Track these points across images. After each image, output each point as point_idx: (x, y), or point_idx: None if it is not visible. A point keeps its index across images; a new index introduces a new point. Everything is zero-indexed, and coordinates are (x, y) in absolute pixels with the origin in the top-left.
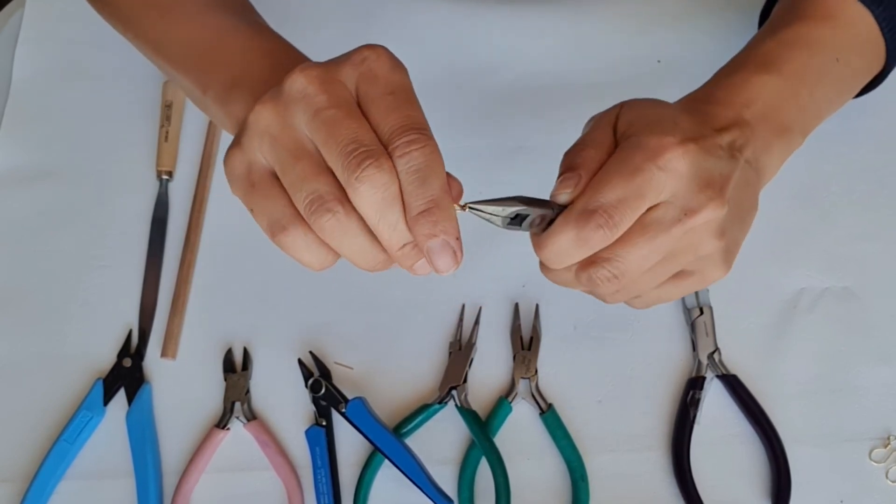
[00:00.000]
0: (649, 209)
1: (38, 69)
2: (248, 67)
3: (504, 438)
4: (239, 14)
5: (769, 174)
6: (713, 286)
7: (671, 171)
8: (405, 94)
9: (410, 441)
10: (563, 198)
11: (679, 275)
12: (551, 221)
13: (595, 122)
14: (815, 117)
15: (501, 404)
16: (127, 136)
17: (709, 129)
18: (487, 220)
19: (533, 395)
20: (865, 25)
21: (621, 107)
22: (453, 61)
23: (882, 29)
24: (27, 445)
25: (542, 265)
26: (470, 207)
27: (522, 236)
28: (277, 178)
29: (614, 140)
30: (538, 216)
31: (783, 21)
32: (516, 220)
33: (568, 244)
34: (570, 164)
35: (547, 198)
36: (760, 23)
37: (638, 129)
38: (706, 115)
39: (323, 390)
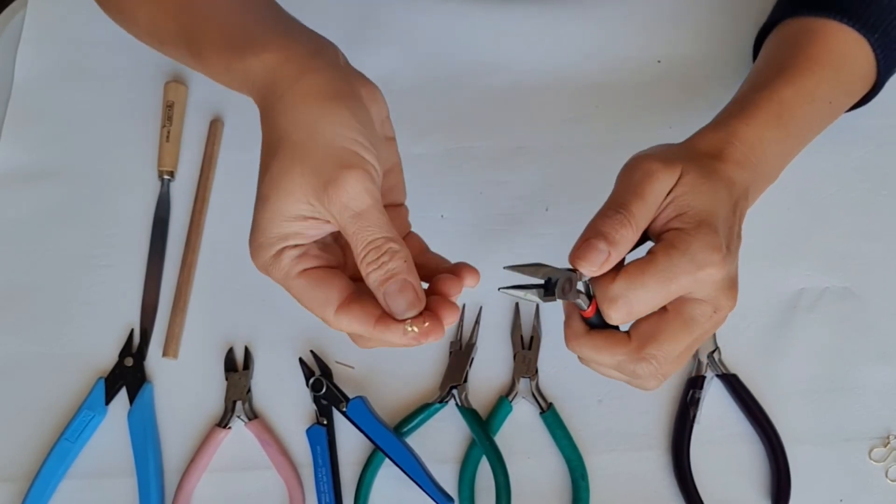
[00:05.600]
0: (686, 301)
1: (40, 69)
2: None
3: (504, 437)
4: None
5: None
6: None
7: (709, 282)
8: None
9: (411, 440)
10: (587, 270)
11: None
12: (576, 285)
13: (648, 188)
14: (792, 158)
15: (502, 403)
16: (128, 135)
17: (732, 213)
18: (524, 298)
19: (533, 395)
20: (861, 58)
21: (681, 176)
22: (453, 61)
23: (877, 56)
24: (29, 444)
25: (572, 338)
26: (505, 277)
27: (521, 230)
28: None
29: (655, 213)
30: (565, 280)
31: (792, 60)
32: (550, 290)
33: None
34: (603, 232)
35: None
36: (757, 38)
37: (691, 227)
38: (730, 183)
39: (324, 389)
